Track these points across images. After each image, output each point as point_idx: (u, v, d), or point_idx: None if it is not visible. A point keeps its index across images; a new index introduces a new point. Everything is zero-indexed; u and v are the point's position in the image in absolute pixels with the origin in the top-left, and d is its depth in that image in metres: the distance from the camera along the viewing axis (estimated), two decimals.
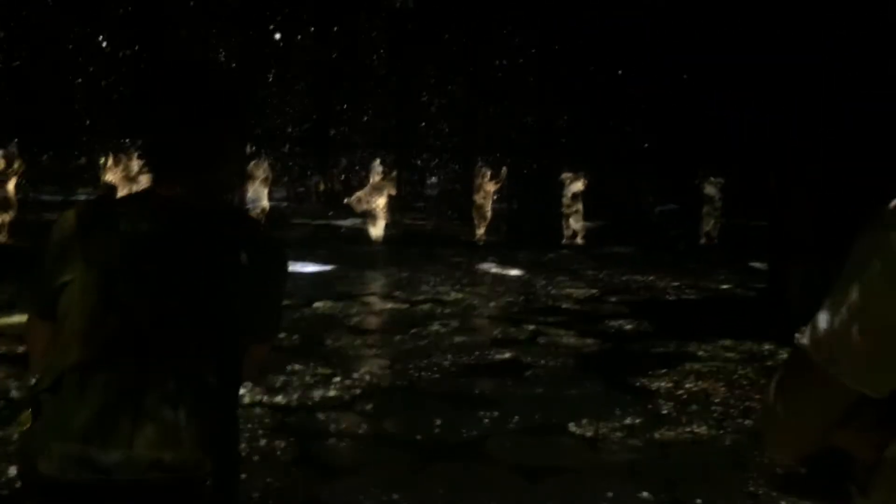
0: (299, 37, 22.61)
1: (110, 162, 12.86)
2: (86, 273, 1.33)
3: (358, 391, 5.24)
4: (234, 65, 20.14)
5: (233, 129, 1.48)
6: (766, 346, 6.89)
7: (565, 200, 15.01)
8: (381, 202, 13.85)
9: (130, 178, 12.23)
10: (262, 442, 4.16)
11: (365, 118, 24.28)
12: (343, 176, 24.41)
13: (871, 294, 0.87)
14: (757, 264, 12.74)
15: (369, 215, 13.94)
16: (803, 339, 0.95)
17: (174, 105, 1.43)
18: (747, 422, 4.88)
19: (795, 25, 8.54)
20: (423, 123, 23.57)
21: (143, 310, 1.34)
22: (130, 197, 1.55)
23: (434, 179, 24.43)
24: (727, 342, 7.04)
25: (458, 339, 6.89)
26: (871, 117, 7.61)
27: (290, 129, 24.33)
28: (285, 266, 1.54)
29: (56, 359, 1.35)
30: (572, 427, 4.67)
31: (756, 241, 14.39)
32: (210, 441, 1.35)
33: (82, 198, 18.35)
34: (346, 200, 15.11)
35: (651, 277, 11.28)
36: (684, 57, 16.15)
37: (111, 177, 12.65)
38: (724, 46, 15.19)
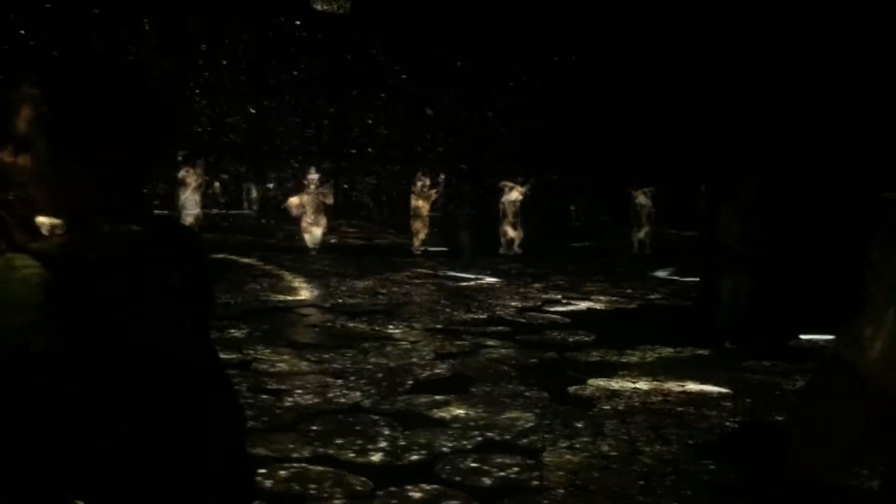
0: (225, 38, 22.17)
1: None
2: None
3: (300, 412, 5.15)
4: (159, 65, 19.54)
5: (153, 138, 1.36)
6: (701, 353, 7.11)
7: (503, 209, 15.15)
8: (317, 210, 13.70)
9: None
10: None
11: (300, 123, 23.95)
12: (277, 184, 24.00)
13: None
14: (661, 273, 13.22)
15: (305, 224, 13.76)
16: (845, 349, 0.92)
17: (96, 116, 1.27)
18: (683, 431, 5.01)
19: (731, 40, 8.84)
20: (357, 131, 23.41)
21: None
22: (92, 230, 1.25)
23: (369, 186, 24.30)
24: (664, 351, 7.23)
25: (399, 352, 6.86)
26: (803, 132, 7.96)
27: (223, 137, 23.80)
28: (209, 285, 1.47)
29: None
30: (518, 441, 4.70)
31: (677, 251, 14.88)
32: None
33: None
34: (283, 205, 14.92)
35: (585, 284, 11.50)
36: (621, 66, 16.56)
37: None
38: (662, 59, 15.64)
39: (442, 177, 15.93)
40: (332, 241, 15.83)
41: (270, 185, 24.20)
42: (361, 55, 22.26)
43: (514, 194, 15.04)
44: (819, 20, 8.03)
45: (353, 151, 23.29)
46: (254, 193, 25.08)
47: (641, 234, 15.84)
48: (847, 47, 7.90)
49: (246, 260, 12.56)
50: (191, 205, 13.54)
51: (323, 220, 13.93)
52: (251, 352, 6.63)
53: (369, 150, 23.21)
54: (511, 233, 15.14)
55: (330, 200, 14.19)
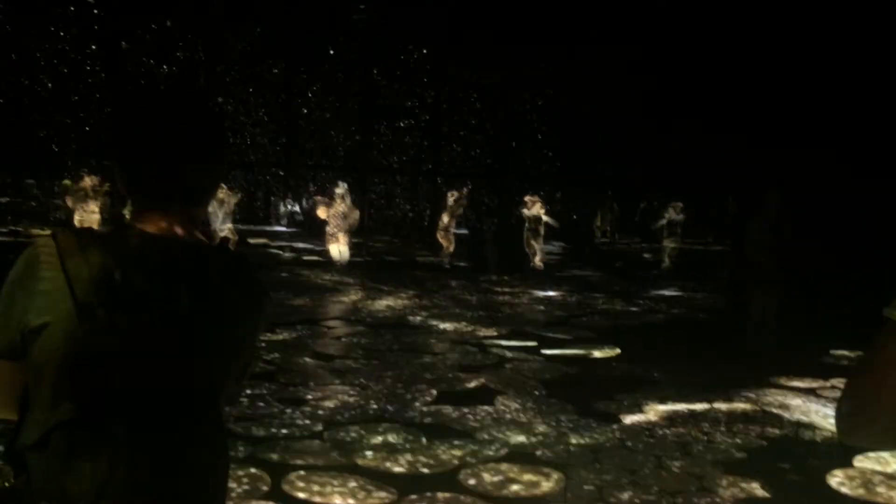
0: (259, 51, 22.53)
1: (78, 184, 12.52)
2: (70, 319, 1.23)
3: (327, 421, 5.18)
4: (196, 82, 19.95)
5: (219, 158, 1.44)
6: (730, 368, 7.02)
7: (527, 223, 15.12)
8: (343, 224, 13.77)
9: (87, 205, 12.03)
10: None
11: (330, 135, 24.22)
12: (303, 201, 24.27)
13: None
14: (689, 287, 12.98)
15: (330, 237, 13.84)
16: None
17: (164, 134, 1.35)
18: (710, 447, 4.95)
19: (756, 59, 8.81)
20: (382, 146, 23.65)
21: (134, 363, 1.28)
22: (114, 231, 1.38)
23: (395, 201, 24.47)
24: (692, 366, 7.14)
25: (425, 364, 6.87)
26: (830, 147, 7.88)
27: (251, 153, 24.15)
28: (268, 308, 1.50)
29: (40, 413, 1.26)
30: (541, 454, 4.68)
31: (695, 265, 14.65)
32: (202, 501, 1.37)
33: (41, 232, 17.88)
34: (313, 212, 15.01)
35: (612, 299, 11.42)
36: (644, 82, 16.52)
37: (70, 202, 12.38)
38: (681, 75, 15.59)
39: (465, 189, 15.97)
40: (358, 255, 15.92)
41: (296, 206, 24.51)
42: (385, 73, 22.53)
43: (536, 209, 15.01)
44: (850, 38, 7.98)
45: (377, 165, 23.51)
46: (281, 209, 25.46)
47: (670, 249, 15.70)
48: (873, 65, 7.83)
49: (273, 272, 12.67)
50: (222, 219, 13.68)
51: (349, 234, 13.99)
52: (277, 363, 6.68)
53: (394, 164, 23.39)
54: (535, 247, 15.10)
55: (356, 214, 14.25)
